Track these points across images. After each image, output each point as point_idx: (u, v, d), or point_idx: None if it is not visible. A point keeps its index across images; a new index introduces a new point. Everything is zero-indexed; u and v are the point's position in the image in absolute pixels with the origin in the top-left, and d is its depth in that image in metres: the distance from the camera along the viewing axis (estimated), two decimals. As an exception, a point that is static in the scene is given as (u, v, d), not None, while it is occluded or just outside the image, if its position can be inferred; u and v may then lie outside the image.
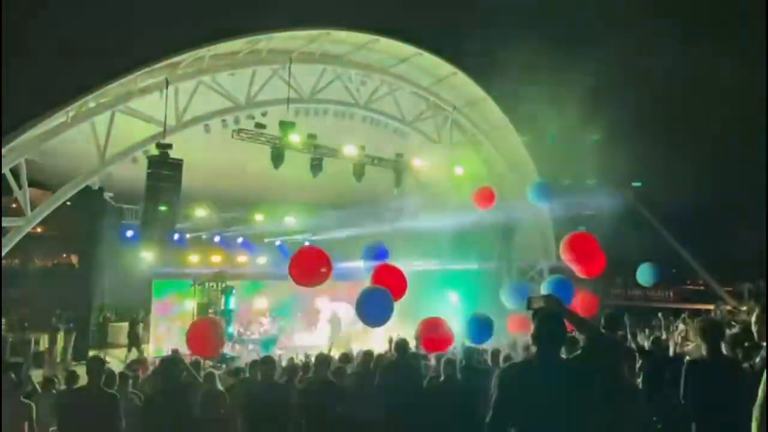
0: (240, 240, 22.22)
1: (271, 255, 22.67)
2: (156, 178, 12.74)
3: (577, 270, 8.24)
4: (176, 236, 15.96)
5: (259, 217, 21.02)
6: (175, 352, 9.39)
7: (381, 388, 6.04)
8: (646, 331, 13.39)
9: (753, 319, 3.87)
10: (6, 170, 11.73)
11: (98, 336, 16.75)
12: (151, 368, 10.30)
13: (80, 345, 14.44)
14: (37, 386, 7.31)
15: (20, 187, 12.13)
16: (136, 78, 12.39)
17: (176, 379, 5.63)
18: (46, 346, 13.88)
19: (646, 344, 7.61)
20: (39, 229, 16.86)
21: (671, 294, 23.10)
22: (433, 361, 8.01)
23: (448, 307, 16.75)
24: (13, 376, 6.49)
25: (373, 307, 6.93)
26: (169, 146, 12.78)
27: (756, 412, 2.98)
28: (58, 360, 13.53)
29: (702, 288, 23.93)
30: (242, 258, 21.70)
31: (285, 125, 14.15)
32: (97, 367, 5.14)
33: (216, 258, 19.91)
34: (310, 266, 7.94)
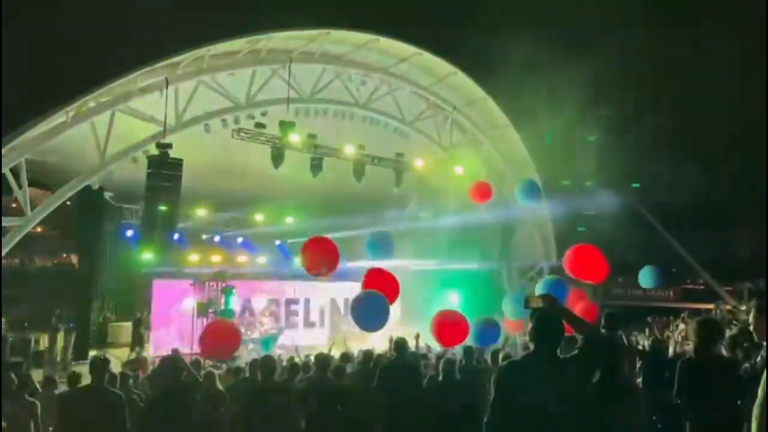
0: (240, 240, 22.23)
1: (271, 254, 22.67)
2: (156, 178, 12.75)
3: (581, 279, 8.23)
4: (176, 236, 15.95)
5: (259, 216, 21.02)
6: (175, 351, 9.39)
7: (380, 387, 6.04)
8: (646, 331, 13.40)
9: (750, 319, 3.87)
10: (6, 170, 11.73)
11: (98, 336, 16.74)
12: (150, 368, 10.30)
13: (80, 345, 14.42)
14: (38, 386, 7.30)
15: (20, 186, 12.14)
16: (136, 78, 12.41)
17: (176, 379, 5.63)
18: (46, 345, 13.87)
19: (646, 344, 7.62)
20: (39, 229, 16.90)
21: (671, 293, 23.09)
22: (433, 361, 8.02)
23: (449, 306, 16.72)
24: (13, 375, 6.50)
25: (369, 312, 6.92)
26: (169, 146, 12.79)
27: (756, 411, 2.98)
28: (58, 360, 13.51)
29: (702, 287, 23.93)
30: (242, 257, 21.69)
31: (285, 125, 14.16)
32: (101, 366, 5.15)
33: (216, 258, 19.90)
34: (320, 256, 7.95)
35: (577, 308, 7.75)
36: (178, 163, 12.89)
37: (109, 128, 12.54)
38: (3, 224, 11.77)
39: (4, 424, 5.37)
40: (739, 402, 3.87)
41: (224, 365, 12.29)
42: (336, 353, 8.86)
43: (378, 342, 10.69)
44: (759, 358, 3.85)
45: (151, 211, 13.09)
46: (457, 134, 18.25)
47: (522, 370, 3.32)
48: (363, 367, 6.90)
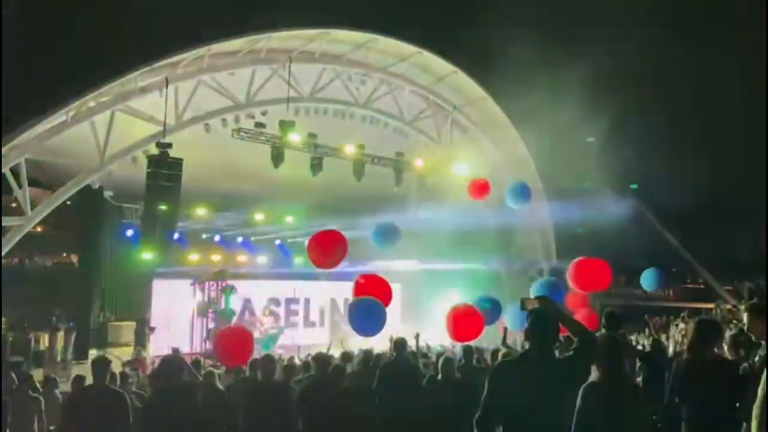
0: (240, 239, 22.22)
1: (271, 254, 22.67)
2: (156, 178, 12.74)
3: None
4: (176, 235, 15.94)
5: (259, 216, 21.02)
6: (175, 351, 9.39)
7: (380, 387, 6.04)
8: (646, 330, 13.40)
9: (744, 319, 3.88)
10: (6, 169, 11.75)
11: (98, 335, 16.73)
12: (150, 368, 10.31)
13: (80, 344, 14.43)
14: (38, 385, 7.31)
15: (20, 186, 12.15)
16: (135, 77, 12.41)
17: (177, 378, 5.61)
18: (47, 345, 13.88)
19: (646, 343, 7.62)
20: (39, 229, 16.87)
21: (671, 293, 23.11)
22: (432, 360, 8.02)
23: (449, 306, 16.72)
24: (13, 375, 6.50)
25: (366, 318, 6.91)
26: (169, 145, 12.79)
27: (756, 411, 2.98)
28: (59, 359, 13.52)
29: (702, 287, 23.95)
30: (242, 257, 21.70)
31: (285, 124, 14.16)
32: (103, 366, 5.18)
33: (216, 257, 19.91)
34: (328, 248, 7.95)
35: (579, 314, 7.73)
36: (178, 163, 12.89)
37: (109, 128, 12.55)
38: (3, 224, 11.78)
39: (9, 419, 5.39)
40: (737, 402, 3.87)
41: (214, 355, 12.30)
42: (334, 353, 8.85)
43: (378, 342, 10.69)
44: (757, 358, 3.85)
45: (151, 211, 13.08)
46: (457, 134, 18.24)
47: (514, 369, 3.34)
48: (363, 366, 6.90)
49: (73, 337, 14.11)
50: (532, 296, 4.05)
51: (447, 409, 5.75)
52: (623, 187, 22.21)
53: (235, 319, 16.65)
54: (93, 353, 13.81)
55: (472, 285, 17.68)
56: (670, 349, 10.06)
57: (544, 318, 3.32)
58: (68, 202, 13.28)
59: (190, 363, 7.08)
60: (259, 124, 14.01)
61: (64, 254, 23.15)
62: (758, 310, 3.75)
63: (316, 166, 15.20)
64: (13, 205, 12.70)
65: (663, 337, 12.45)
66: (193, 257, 19.35)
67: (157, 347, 15.08)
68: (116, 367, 7.63)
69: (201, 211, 19.38)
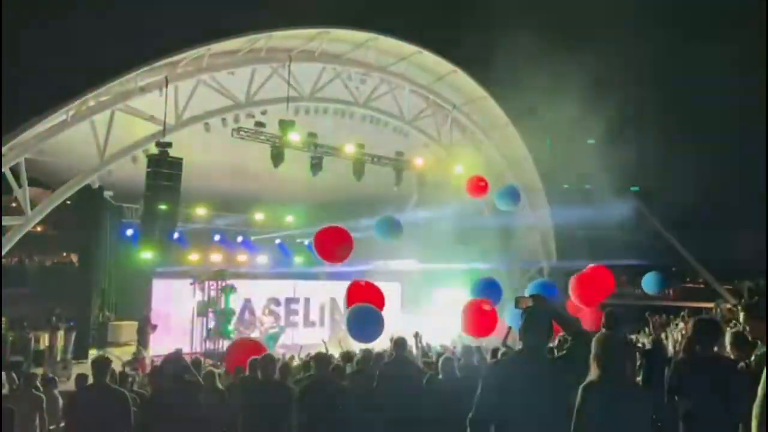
0: (240, 239, 22.21)
1: (271, 254, 22.65)
2: (156, 177, 12.74)
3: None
4: (176, 235, 15.93)
5: (259, 215, 21.01)
6: (177, 351, 9.37)
7: (380, 387, 6.04)
8: (646, 330, 13.40)
9: (741, 318, 3.89)
10: (6, 169, 11.75)
11: (98, 335, 16.72)
12: (149, 367, 10.30)
13: (80, 344, 14.42)
14: (39, 385, 7.31)
15: (20, 186, 12.15)
16: (135, 77, 12.40)
17: (179, 378, 5.59)
18: (47, 344, 13.87)
19: (646, 342, 7.62)
20: (39, 228, 16.90)
21: (671, 292, 23.10)
22: (433, 359, 8.01)
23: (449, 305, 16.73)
24: (13, 374, 6.51)
25: (364, 327, 6.91)
26: (169, 145, 12.79)
27: (756, 410, 2.98)
28: (59, 359, 13.51)
29: (702, 286, 23.94)
30: (242, 257, 21.68)
31: (285, 124, 14.16)
32: (103, 366, 5.19)
33: (216, 257, 19.89)
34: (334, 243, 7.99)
35: (584, 313, 7.69)
36: (177, 162, 12.89)
37: (108, 127, 12.55)
38: (3, 223, 11.78)
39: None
40: (735, 401, 3.87)
41: (224, 364, 12.29)
42: (331, 351, 8.84)
43: (378, 341, 10.69)
44: (753, 357, 3.85)
45: (150, 210, 13.07)
46: (457, 133, 18.25)
47: (508, 369, 3.35)
48: (362, 366, 6.90)
49: (73, 337, 14.10)
50: (526, 295, 4.05)
51: (447, 409, 5.74)
52: (623, 187, 22.23)
53: (234, 319, 16.66)
54: (93, 353, 13.81)
55: (472, 285, 17.69)
56: (670, 348, 10.06)
57: (537, 317, 3.33)
58: (68, 202, 13.28)
59: (190, 363, 7.07)
60: (259, 124, 14.02)
61: (64, 254, 23.15)
62: (752, 310, 3.76)
63: (315, 165, 15.20)
64: (13, 204, 12.70)
65: (662, 336, 12.45)
66: (193, 257, 19.32)
67: (157, 347, 15.07)
68: (116, 367, 7.64)
69: (201, 211, 19.38)
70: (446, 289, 17.64)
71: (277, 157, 14.22)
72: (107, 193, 16.48)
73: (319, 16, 14.82)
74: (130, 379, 7.43)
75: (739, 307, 4.06)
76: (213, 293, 16.02)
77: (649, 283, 9.71)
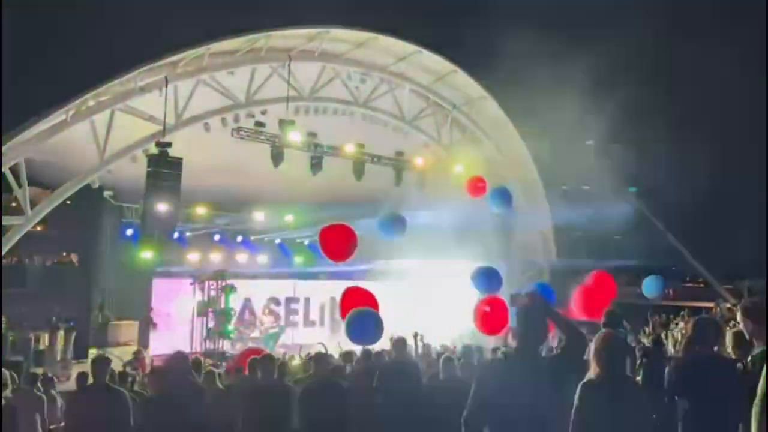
0: (240, 238, 22.22)
1: (271, 253, 22.65)
2: (156, 177, 12.75)
3: None
4: (176, 235, 15.94)
5: (259, 215, 21.00)
6: (181, 352, 9.36)
7: (380, 386, 6.04)
8: (646, 329, 13.42)
9: (738, 317, 3.88)
10: (6, 169, 11.74)
11: (98, 335, 16.73)
12: (149, 367, 10.31)
13: (80, 344, 14.43)
14: (39, 385, 7.31)
15: (20, 185, 12.15)
16: (135, 76, 12.40)
17: (184, 378, 5.55)
18: (47, 344, 13.88)
19: (646, 342, 7.62)
20: (39, 228, 16.83)
21: (671, 292, 23.08)
22: (433, 359, 8.02)
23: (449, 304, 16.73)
24: (13, 374, 6.50)
25: (363, 331, 6.89)
26: (169, 144, 12.79)
27: (756, 410, 2.98)
28: (59, 358, 13.52)
29: (702, 285, 23.93)
30: (242, 256, 21.68)
31: (284, 123, 14.15)
32: (103, 365, 5.19)
33: (216, 256, 19.89)
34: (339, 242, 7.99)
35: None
36: (177, 162, 12.89)
37: (108, 127, 12.55)
38: (3, 223, 11.78)
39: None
40: (734, 401, 3.87)
41: (224, 364, 12.31)
42: (329, 350, 8.85)
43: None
44: (749, 358, 3.85)
45: (150, 210, 13.08)
46: (457, 133, 18.25)
47: (501, 367, 3.38)
48: (363, 366, 6.90)
49: (73, 337, 14.12)
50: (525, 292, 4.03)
51: (447, 409, 5.74)
52: (623, 187, 22.22)
53: (234, 319, 16.66)
54: (93, 352, 13.82)
55: (471, 284, 17.67)
56: (670, 348, 10.08)
57: (531, 315, 3.30)
58: (68, 202, 13.28)
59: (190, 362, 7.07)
60: (259, 123, 14.02)
61: (64, 253, 23.12)
62: (746, 310, 3.77)
63: (315, 165, 15.21)
64: (13, 204, 12.69)
65: (663, 336, 12.46)
66: (193, 256, 19.33)
67: (157, 347, 15.09)
68: (116, 367, 7.64)
69: (201, 211, 19.38)
70: (446, 289, 17.64)
71: (277, 157, 14.23)
72: (107, 193, 16.50)
73: (318, 15, 14.82)
74: (130, 378, 7.43)
75: (737, 308, 4.05)
76: (213, 293, 16.02)
77: (648, 287, 9.72)
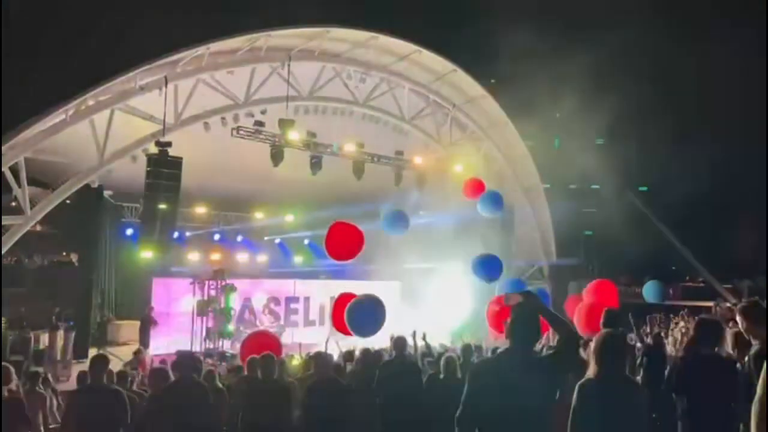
0: (240, 238, 22.22)
1: (271, 253, 22.64)
2: (155, 176, 12.73)
3: None
4: (176, 234, 15.92)
5: (259, 215, 21.00)
6: (186, 352, 9.36)
7: (380, 386, 6.04)
8: (646, 329, 13.41)
9: (738, 319, 3.89)
10: (5, 168, 11.73)
11: (98, 334, 16.72)
12: (149, 367, 10.29)
13: (80, 343, 14.41)
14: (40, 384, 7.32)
15: (20, 185, 12.13)
16: (135, 76, 12.39)
17: (187, 378, 5.54)
18: (46, 344, 13.86)
19: (646, 340, 7.63)
20: (38, 228, 16.83)
21: (671, 291, 23.09)
22: (433, 359, 8.01)
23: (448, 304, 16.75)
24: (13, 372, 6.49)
25: (363, 322, 6.90)
26: (169, 144, 12.78)
27: (755, 408, 2.98)
28: (59, 358, 13.50)
29: (702, 285, 23.92)
30: (242, 256, 21.68)
31: (284, 123, 14.14)
32: (101, 364, 5.20)
33: (216, 256, 19.87)
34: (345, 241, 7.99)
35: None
36: (177, 162, 12.87)
37: (108, 127, 12.53)
38: (3, 223, 11.77)
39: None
40: (733, 399, 3.88)
41: (224, 363, 12.30)
42: (330, 350, 8.83)
43: (377, 340, 10.68)
44: (746, 358, 3.86)
45: (150, 210, 13.06)
46: (457, 132, 18.23)
47: (494, 366, 3.33)
48: (363, 365, 6.89)
49: (72, 336, 14.09)
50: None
51: (447, 409, 5.73)
52: (624, 186, 22.22)
53: (234, 319, 16.65)
54: (93, 352, 13.79)
55: (471, 284, 17.69)
56: (669, 347, 10.08)
57: (524, 314, 3.29)
58: (68, 201, 13.27)
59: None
60: (259, 123, 14.00)
61: (64, 253, 23.11)
62: (743, 311, 3.78)
63: (315, 164, 15.20)
64: (13, 204, 12.67)
65: (662, 335, 12.46)
66: (193, 256, 19.32)
67: (157, 347, 15.08)
68: (116, 367, 7.63)
69: (201, 211, 19.38)
70: (446, 288, 17.64)
71: (276, 157, 14.22)
72: (107, 193, 16.48)
73: (318, 15, 14.82)
74: (129, 378, 7.43)
75: (736, 308, 4.05)
76: (213, 293, 16.01)
77: (649, 291, 9.76)
